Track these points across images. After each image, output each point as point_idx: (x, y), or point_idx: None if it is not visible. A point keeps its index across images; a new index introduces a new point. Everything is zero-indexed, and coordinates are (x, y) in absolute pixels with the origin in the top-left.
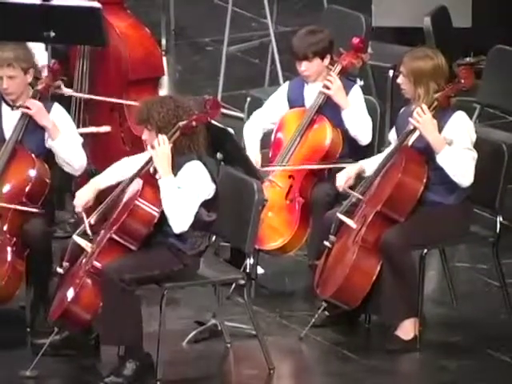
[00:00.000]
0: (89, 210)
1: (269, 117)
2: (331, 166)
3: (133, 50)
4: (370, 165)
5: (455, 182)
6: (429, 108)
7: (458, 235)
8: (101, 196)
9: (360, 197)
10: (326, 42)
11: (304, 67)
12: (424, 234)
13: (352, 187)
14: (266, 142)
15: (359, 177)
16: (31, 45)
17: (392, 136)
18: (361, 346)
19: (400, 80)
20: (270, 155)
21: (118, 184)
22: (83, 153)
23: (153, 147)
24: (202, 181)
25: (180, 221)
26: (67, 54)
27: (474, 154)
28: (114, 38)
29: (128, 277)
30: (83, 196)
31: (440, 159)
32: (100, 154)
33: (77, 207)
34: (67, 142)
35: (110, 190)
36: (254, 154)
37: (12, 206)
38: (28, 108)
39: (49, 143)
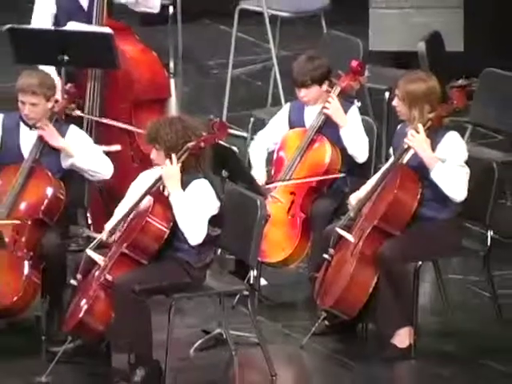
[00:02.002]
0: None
1: (272, 137)
2: (327, 177)
3: (141, 72)
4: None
5: (448, 199)
6: (423, 127)
7: (450, 249)
8: (112, 207)
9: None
10: (324, 68)
11: (303, 93)
12: (418, 248)
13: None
14: (269, 160)
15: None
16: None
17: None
18: (358, 354)
19: (395, 103)
20: (273, 173)
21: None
22: (107, 159)
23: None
24: (208, 198)
25: (195, 233)
26: (80, 77)
27: (467, 170)
28: (123, 61)
29: (138, 288)
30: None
31: (434, 175)
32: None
33: (108, 239)
34: (87, 155)
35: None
36: (260, 173)
37: (25, 223)
38: (42, 129)
39: (69, 161)
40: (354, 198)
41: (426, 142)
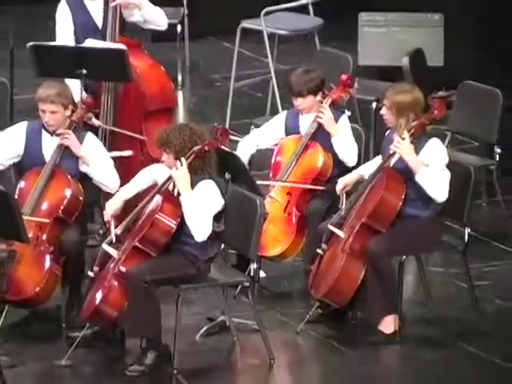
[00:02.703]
0: (116, 218)
1: (264, 137)
2: (313, 187)
3: (150, 84)
4: (367, 170)
5: (429, 199)
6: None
7: (431, 244)
8: (127, 205)
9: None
10: (318, 80)
11: (299, 102)
12: (403, 243)
13: (348, 193)
14: (267, 163)
15: (359, 183)
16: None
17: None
18: (348, 339)
19: (383, 112)
20: (270, 175)
21: (142, 192)
22: (116, 174)
23: (174, 169)
24: (214, 196)
25: (201, 230)
26: (96, 88)
27: (448, 174)
28: (135, 74)
29: (149, 279)
30: (112, 206)
31: (418, 178)
32: (123, 173)
33: (106, 216)
34: (100, 167)
35: (134, 198)
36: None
37: (47, 221)
38: (66, 139)
39: (84, 169)
40: (340, 183)
41: (410, 147)
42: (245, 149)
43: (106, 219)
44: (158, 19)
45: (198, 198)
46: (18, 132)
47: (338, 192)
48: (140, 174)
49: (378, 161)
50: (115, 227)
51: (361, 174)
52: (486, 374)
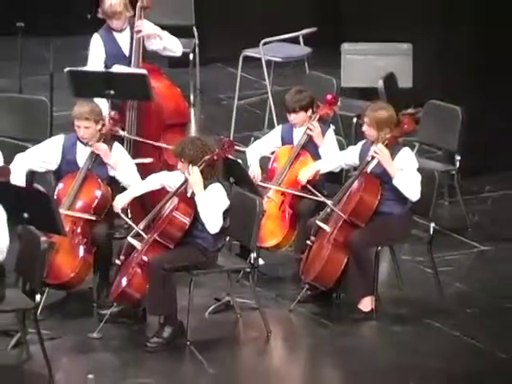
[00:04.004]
0: (125, 210)
1: (265, 147)
2: (300, 194)
3: (167, 103)
4: (323, 165)
5: (401, 198)
6: (382, 145)
7: (403, 236)
8: (137, 202)
9: (322, 199)
10: (309, 99)
11: (292, 117)
12: (379, 236)
13: (316, 188)
14: (264, 168)
15: (317, 174)
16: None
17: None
18: (333, 316)
19: (365, 128)
20: (267, 179)
21: (148, 192)
22: (138, 177)
23: (188, 174)
24: (223, 197)
25: (214, 224)
26: (121, 106)
27: (419, 177)
28: (154, 94)
29: (167, 266)
30: (121, 201)
31: (396, 181)
32: (144, 177)
33: (116, 208)
34: (126, 171)
35: (142, 196)
36: (255, 168)
37: (84, 216)
38: (97, 149)
39: (112, 173)
40: (303, 176)
41: (389, 156)
42: (253, 157)
43: (115, 211)
44: (174, 47)
45: (210, 198)
46: (56, 143)
47: (302, 183)
48: (149, 178)
49: (333, 159)
50: (137, 224)
51: (318, 168)
52: (447, 345)
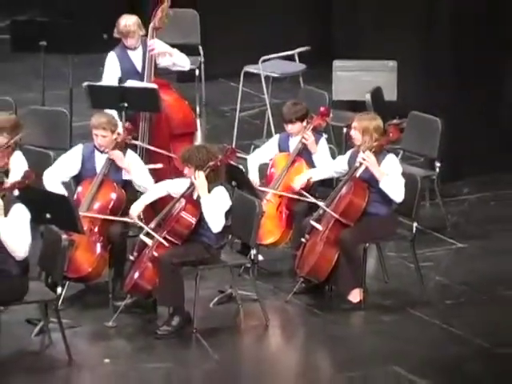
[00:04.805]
0: (147, 216)
1: (264, 155)
2: (294, 196)
3: (176, 114)
4: (315, 173)
5: (387, 200)
6: (370, 151)
7: (388, 235)
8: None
9: (315, 201)
10: (304, 111)
11: (289, 128)
12: (366, 234)
13: (310, 191)
14: (262, 173)
15: (309, 182)
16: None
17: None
18: (325, 306)
19: (352, 133)
20: (266, 183)
21: (159, 198)
22: (151, 179)
23: (195, 179)
24: (225, 199)
25: (217, 224)
26: (135, 117)
27: (403, 181)
28: (164, 106)
29: (175, 261)
30: (136, 209)
31: (382, 185)
32: (156, 181)
33: (131, 215)
34: (139, 174)
35: (155, 202)
36: (254, 176)
37: (100, 216)
38: (113, 155)
39: (127, 177)
40: (297, 183)
41: (376, 162)
42: (253, 166)
43: (131, 217)
44: (183, 62)
45: (214, 200)
46: (76, 154)
47: (296, 190)
48: (155, 187)
49: (324, 169)
50: (147, 224)
51: (310, 176)
52: (427, 332)
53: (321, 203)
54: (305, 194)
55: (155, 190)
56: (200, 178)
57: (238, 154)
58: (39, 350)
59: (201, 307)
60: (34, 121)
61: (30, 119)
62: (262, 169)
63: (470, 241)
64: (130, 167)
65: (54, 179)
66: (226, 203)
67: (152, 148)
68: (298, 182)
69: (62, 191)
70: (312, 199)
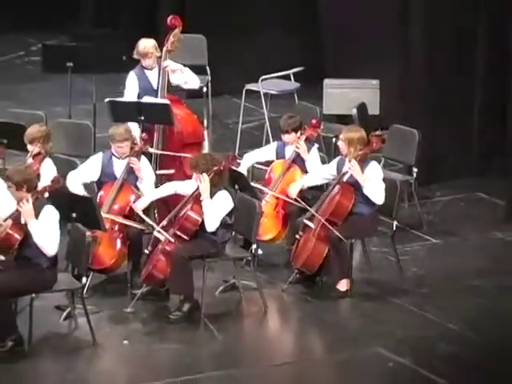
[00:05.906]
0: (146, 211)
1: (260, 155)
2: (288, 199)
3: (186, 126)
4: (308, 181)
5: (371, 203)
6: (355, 160)
7: (371, 232)
8: (162, 204)
9: (307, 207)
10: (298, 122)
11: (286, 137)
12: (352, 231)
13: (303, 198)
14: (260, 177)
15: (303, 190)
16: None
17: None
18: (317, 294)
19: (339, 143)
20: (265, 186)
21: (163, 197)
22: (153, 187)
23: (200, 182)
24: (228, 201)
25: (212, 224)
26: (150, 129)
27: (384, 185)
28: (176, 119)
29: (186, 255)
30: (141, 204)
31: (366, 190)
32: None
33: (137, 210)
34: (146, 182)
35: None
36: (243, 170)
37: (119, 220)
38: (133, 163)
39: (138, 184)
40: (293, 191)
41: (360, 169)
42: (247, 161)
43: (136, 211)
44: (194, 81)
45: (215, 203)
46: (96, 160)
47: (293, 197)
48: (164, 186)
49: (315, 176)
50: (159, 222)
51: (304, 186)
52: (405, 317)
53: (311, 209)
54: (299, 200)
55: (163, 188)
56: (204, 182)
57: (239, 161)
58: (67, 332)
59: (208, 295)
60: (62, 132)
61: (59, 131)
62: (260, 174)
63: (443, 237)
64: (143, 176)
65: (76, 180)
66: (228, 206)
67: (165, 153)
68: (294, 191)
69: (82, 191)
70: (304, 205)
